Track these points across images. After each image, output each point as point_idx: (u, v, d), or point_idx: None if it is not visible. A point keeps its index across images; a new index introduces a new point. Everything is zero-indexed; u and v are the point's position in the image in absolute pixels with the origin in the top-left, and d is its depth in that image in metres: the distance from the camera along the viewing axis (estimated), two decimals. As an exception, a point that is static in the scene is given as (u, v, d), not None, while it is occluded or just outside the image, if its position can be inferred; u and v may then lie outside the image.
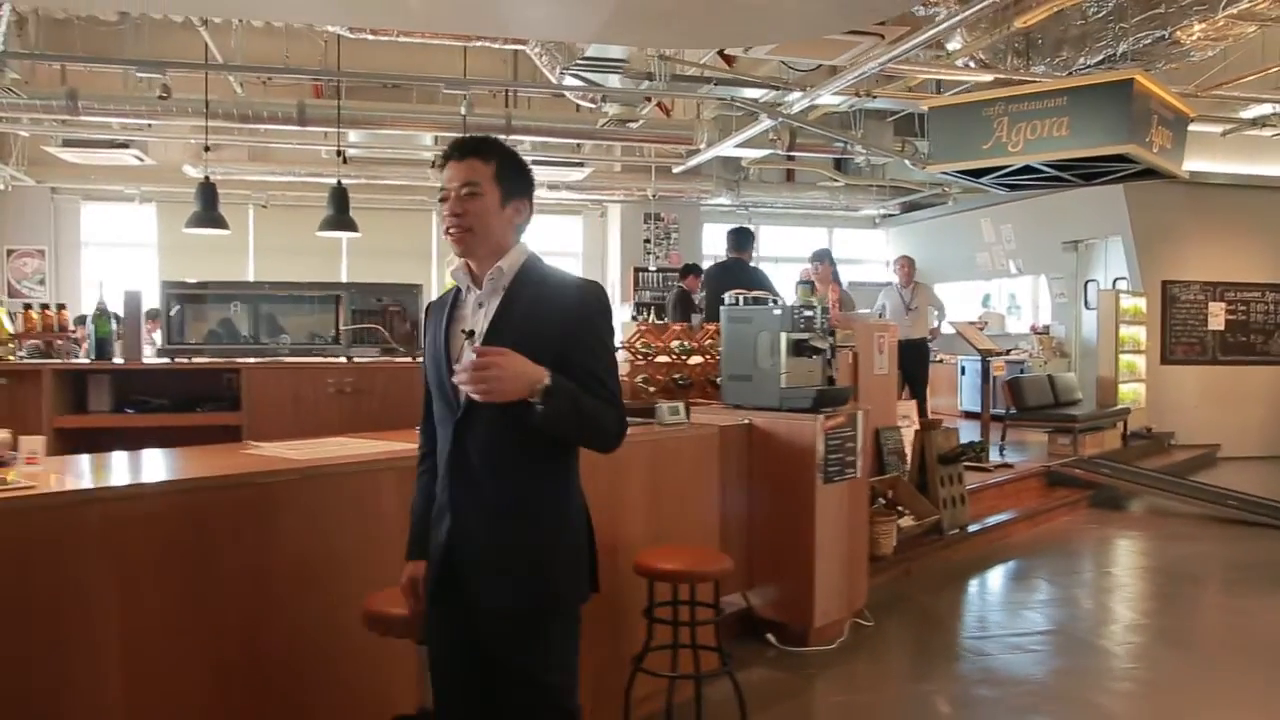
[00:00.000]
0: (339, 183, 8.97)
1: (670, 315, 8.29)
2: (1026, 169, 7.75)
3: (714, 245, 13.50)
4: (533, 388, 1.90)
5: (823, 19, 5.49)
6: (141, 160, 10.47)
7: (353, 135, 10.68)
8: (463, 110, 8.59)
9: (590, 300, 2.08)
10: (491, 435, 2.03)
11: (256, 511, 2.46)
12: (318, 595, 2.55)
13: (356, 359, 4.80)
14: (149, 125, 9.87)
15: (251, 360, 4.62)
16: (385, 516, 2.69)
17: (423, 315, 3.39)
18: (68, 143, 9.95)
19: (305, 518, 2.57)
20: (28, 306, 4.66)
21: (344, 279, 12.31)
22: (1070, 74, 7.94)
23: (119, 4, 7.16)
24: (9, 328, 4.52)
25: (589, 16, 5.58)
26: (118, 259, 12.17)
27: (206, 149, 9.27)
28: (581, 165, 11.34)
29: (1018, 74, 7.91)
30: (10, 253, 11.79)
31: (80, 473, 2.54)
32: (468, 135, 2.19)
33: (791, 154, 10.56)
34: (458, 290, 2.17)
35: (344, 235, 10.25)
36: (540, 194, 11.97)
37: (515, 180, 2.11)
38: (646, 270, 12.93)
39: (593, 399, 1.99)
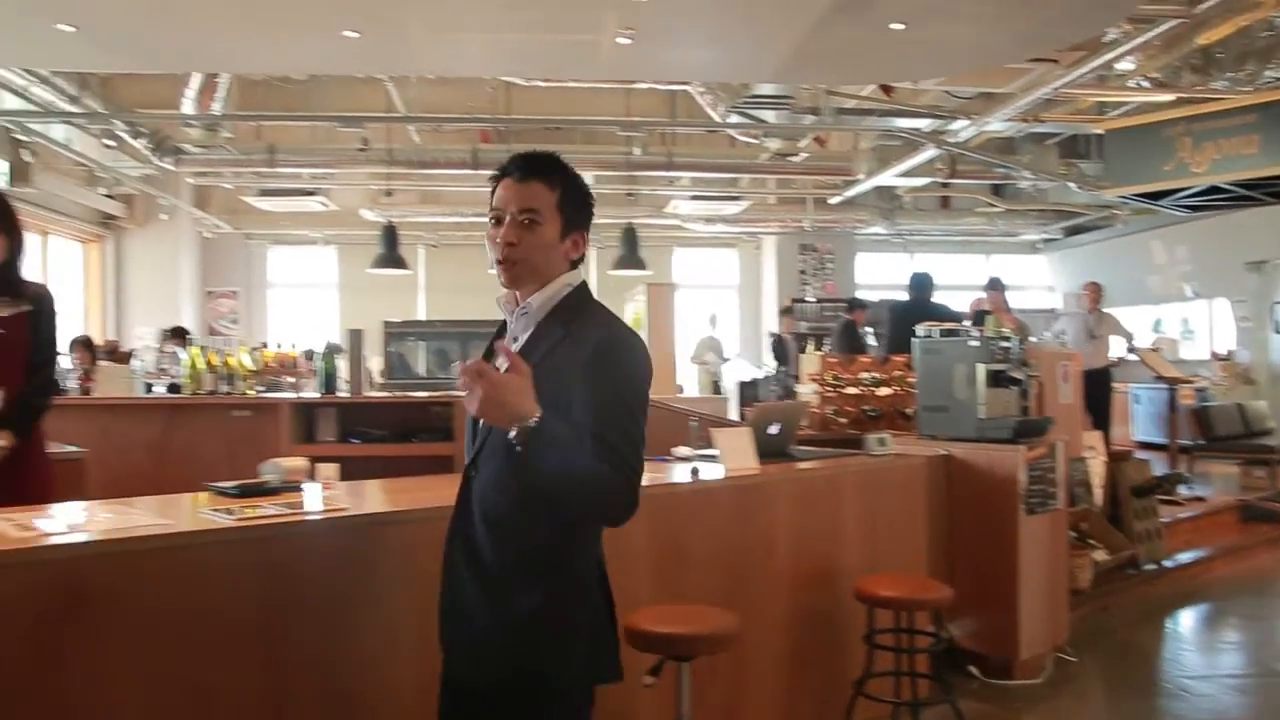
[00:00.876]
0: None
1: (835, 347, 8.33)
2: (1212, 189, 7.50)
3: (868, 275, 13.45)
4: (517, 422, 1.65)
5: (1005, 49, 5.50)
6: (325, 206, 11.18)
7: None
8: (637, 150, 8.86)
9: (610, 353, 1.80)
10: (492, 483, 1.83)
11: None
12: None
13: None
14: (332, 174, 10.57)
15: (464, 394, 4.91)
16: (636, 540, 2.86)
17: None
18: (264, 192, 10.73)
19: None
20: (264, 346, 5.08)
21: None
22: (1256, 89, 7.65)
23: (318, 67, 7.72)
24: (250, 365, 4.95)
25: (765, 58, 5.74)
26: (301, 298, 13.01)
27: (389, 194, 9.87)
28: (738, 199, 11.51)
29: (1196, 90, 7.67)
30: (209, 294, 12.75)
31: (371, 497, 2.80)
32: (531, 151, 1.92)
33: (947, 180, 10.48)
34: (504, 324, 1.97)
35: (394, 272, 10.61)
36: (696, 228, 12.28)
37: (579, 210, 1.92)
38: (804, 301, 12.93)
39: (594, 462, 1.70)
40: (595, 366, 1.77)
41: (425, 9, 4.86)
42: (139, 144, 9.25)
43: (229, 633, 2.14)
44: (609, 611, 1.92)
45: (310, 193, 10.80)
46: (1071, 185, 10.46)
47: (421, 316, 13.01)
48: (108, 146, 9.28)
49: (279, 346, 5.22)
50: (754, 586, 3.24)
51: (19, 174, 8.81)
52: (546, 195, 1.85)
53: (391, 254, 9.38)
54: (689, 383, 9.80)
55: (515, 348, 1.83)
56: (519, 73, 6.83)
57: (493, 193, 1.90)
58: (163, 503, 2.57)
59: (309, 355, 5.26)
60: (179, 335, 8.53)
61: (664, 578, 2.98)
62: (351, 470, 4.39)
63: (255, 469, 2.86)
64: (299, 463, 2.76)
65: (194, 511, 2.42)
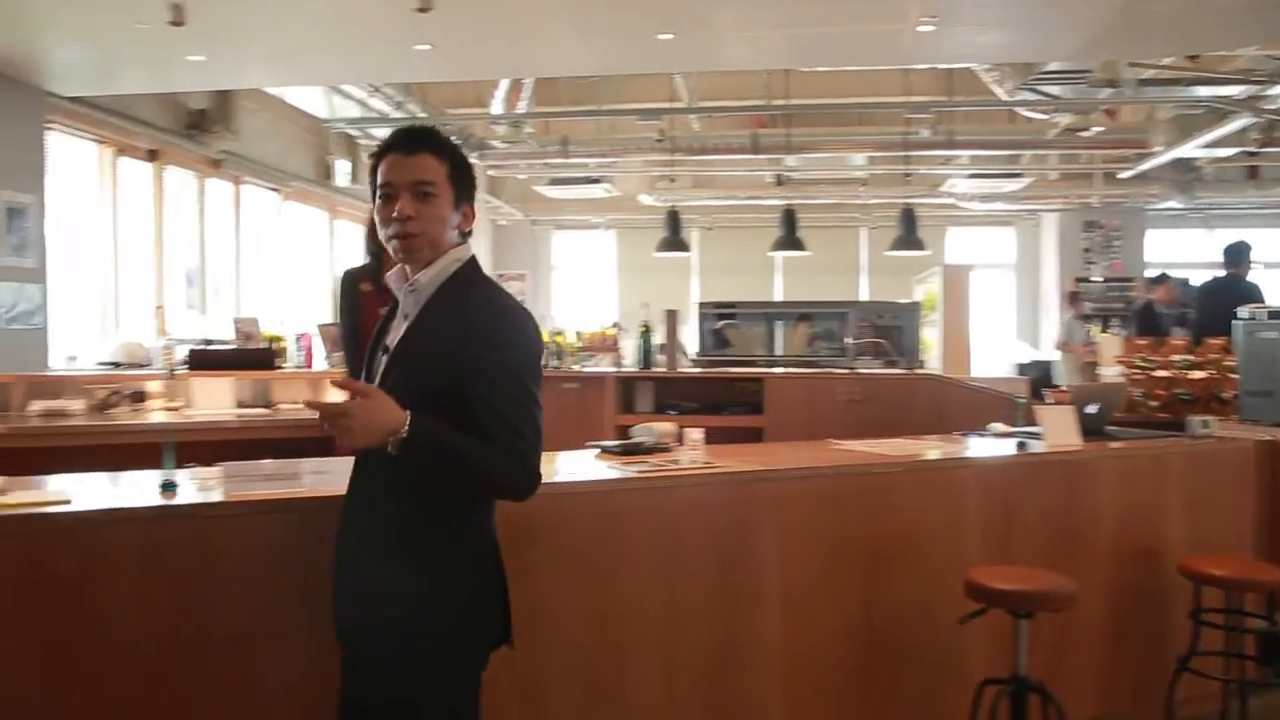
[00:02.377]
0: (789, 207, 9.69)
1: (1134, 328, 8.01)
2: None
3: (1158, 252, 12.68)
4: (388, 438, 1.68)
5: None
6: (609, 192, 11.87)
7: (790, 160, 11.37)
8: (926, 131, 8.86)
9: (501, 326, 1.82)
10: (385, 462, 1.75)
11: (872, 495, 2.94)
12: (918, 568, 2.99)
13: (860, 370, 5.27)
14: (615, 162, 11.22)
15: (776, 370, 5.26)
16: (967, 507, 3.09)
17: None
18: (553, 181, 11.56)
19: (907, 503, 3.02)
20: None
21: (779, 296, 13.10)
22: None
23: (631, 68, 8.27)
24: (577, 343, 5.52)
25: (1070, 36, 5.66)
26: (583, 280, 13.88)
27: (672, 180, 10.38)
28: (1019, 176, 11.20)
29: None
30: (500, 277, 13.85)
31: (732, 458, 3.17)
32: (412, 125, 1.91)
33: (1258, 150, 9.73)
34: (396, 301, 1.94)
35: (786, 254, 10.98)
36: (972, 206, 12.04)
37: (467, 182, 1.90)
38: (1090, 281, 12.36)
39: (482, 444, 1.74)
40: (487, 340, 1.79)
41: (737, 8, 5.18)
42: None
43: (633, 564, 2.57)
44: (501, 580, 1.94)
45: (596, 180, 11.53)
46: None
47: (695, 297, 13.56)
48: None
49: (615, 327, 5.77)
50: (1077, 555, 3.36)
51: (356, 173, 10.11)
52: (437, 167, 1.84)
53: (674, 237, 9.90)
54: (988, 364, 9.54)
55: (406, 325, 1.86)
56: (820, 63, 7.08)
57: (374, 170, 1.88)
58: (568, 457, 3.07)
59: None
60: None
61: (991, 541, 3.17)
62: (666, 439, 4.85)
63: (626, 432, 3.32)
64: (669, 427, 3.17)
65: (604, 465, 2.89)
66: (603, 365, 5.73)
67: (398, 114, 9.36)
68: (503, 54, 6.12)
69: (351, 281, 3.60)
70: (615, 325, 5.65)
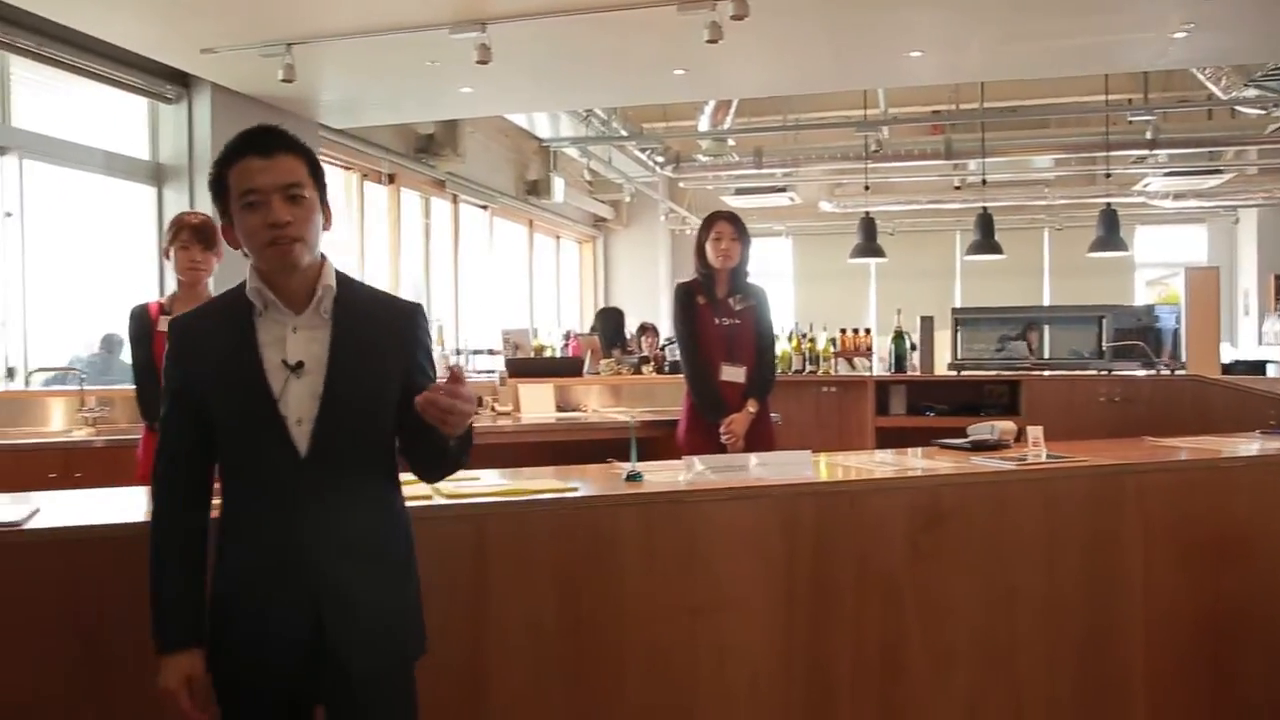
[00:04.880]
0: (984, 210, 9.76)
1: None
2: None
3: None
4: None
5: None
6: (793, 201, 12.11)
7: (972, 164, 11.37)
8: (1147, 132, 8.80)
9: (423, 321, 1.89)
10: (346, 467, 1.77)
11: (1219, 487, 3.11)
12: (1267, 558, 3.13)
13: (1116, 372, 5.38)
14: (795, 172, 11.45)
15: (1034, 373, 5.42)
16: None
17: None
18: (740, 191, 11.86)
19: (1254, 495, 3.16)
20: (842, 331, 5.90)
21: (958, 302, 13.06)
22: None
23: (875, 85, 8.56)
24: (831, 349, 5.79)
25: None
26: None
27: (866, 188, 10.54)
28: (1219, 172, 10.94)
29: None
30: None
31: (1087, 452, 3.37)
32: (260, 125, 1.79)
33: None
34: (238, 311, 1.78)
35: (971, 259, 10.95)
36: (1163, 204, 11.80)
37: (322, 179, 1.82)
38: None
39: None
40: (417, 338, 1.86)
41: (991, 26, 5.36)
42: (644, 155, 10.74)
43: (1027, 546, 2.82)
44: None
45: (782, 189, 11.78)
46: None
47: (872, 302, 13.67)
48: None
49: (844, 332, 6.02)
50: None
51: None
52: (299, 167, 1.75)
53: (869, 243, 10.06)
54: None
55: (325, 342, 1.76)
56: (1061, 73, 7.17)
57: (222, 178, 1.76)
58: (914, 452, 3.35)
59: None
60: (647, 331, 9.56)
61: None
62: (919, 439, 5.06)
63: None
64: (1009, 425, 3.40)
65: (968, 459, 3.14)
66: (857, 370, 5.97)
67: (603, 130, 9.84)
68: (748, 74, 6.45)
69: (688, 294, 3.97)
70: (866, 331, 5.89)
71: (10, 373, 5.43)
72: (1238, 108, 8.94)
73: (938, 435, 5.50)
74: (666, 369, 6.05)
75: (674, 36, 5.35)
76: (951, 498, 2.76)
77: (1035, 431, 3.30)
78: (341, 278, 1.82)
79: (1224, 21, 5.22)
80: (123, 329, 3.78)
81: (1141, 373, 5.32)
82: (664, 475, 2.73)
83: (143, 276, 6.21)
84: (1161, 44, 5.58)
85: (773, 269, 14.15)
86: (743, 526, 2.53)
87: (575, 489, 2.49)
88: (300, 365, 1.74)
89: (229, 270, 5.90)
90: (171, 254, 3.44)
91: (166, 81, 6.17)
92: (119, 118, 6.27)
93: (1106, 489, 2.96)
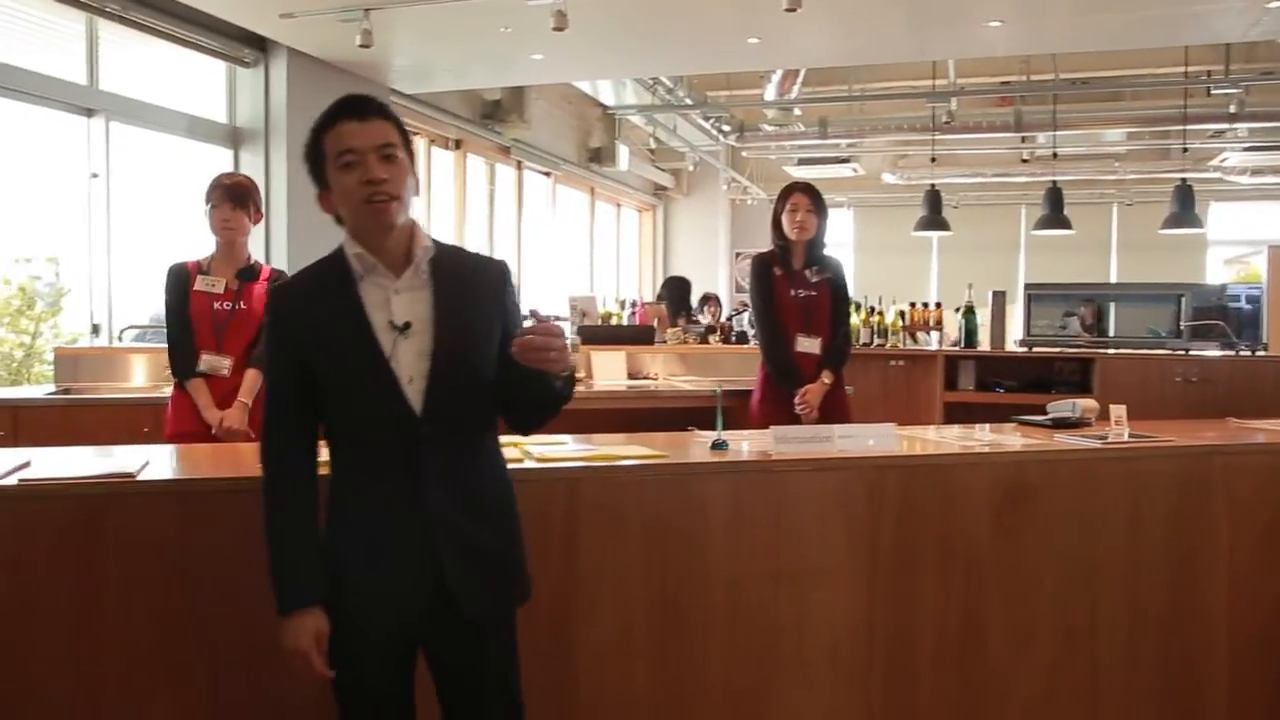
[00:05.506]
0: (1054, 184, 9.58)
1: None
2: None
3: None
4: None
5: None
6: (856, 172, 11.98)
7: (1040, 136, 11.14)
8: (1233, 107, 8.64)
9: (509, 275, 1.95)
10: (458, 422, 1.82)
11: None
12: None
13: (1194, 352, 5.28)
14: (860, 142, 11.32)
15: (1110, 351, 5.34)
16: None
17: None
18: (803, 161, 11.76)
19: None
20: (912, 304, 5.86)
21: (1022, 277, 12.86)
22: None
23: (956, 54, 8.45)
24: (900, 323, 5.76)
25: None
26: (818, 259, 14.03)
27: (933, 159, 10.40)
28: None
29: None
30: (737, 255, 14.21)
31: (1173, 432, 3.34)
32: (352, 94, 1.86)
33: None
34: (338, 276, 1.83)
35: (1040, 233, 10.77)
36: (1240, 180, 11.48)
37: (411, 149, 1.87)
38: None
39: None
40: (509, 293, 1.92)
41: (1076, -3, 5.24)
42: (709, 125, 10.69)
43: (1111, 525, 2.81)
44: None
45: (845, 160, 11.66)
46: None
47: (933, 275, 13.51)
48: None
49: (913, 305, 5.96)
50: None
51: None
52: (392, 131, 1.81)
53: (935, 216, 9.94)
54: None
55: (429, 303, 1.81)
56: (1157, 43, 6.98)
57: (318, 144, 1.82)
58: (998, 427, 3.34)
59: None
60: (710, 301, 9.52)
61: None
62: (988, 416, 5.02)
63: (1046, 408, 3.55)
64: (1091, 403, 3.38)
65: (1049, 437, 3.13)
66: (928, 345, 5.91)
67: (668, 98, 9.80)
68: (822, 43, 6.38)
69: (765, 265, 3.98)
70: (936, 305, 5.84)
71: (95, 329, 5.59)
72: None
73: (1007, 411, 5.44)
74: (733, 339, 6.06)
75: (750, 4, 5.31)
76: (1037, 474, 2.75)
77: (1118, 410, 3.27)
78: (434, 240, 1.87)
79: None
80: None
81: (1219, 353, 5.22)
82: (747, 444, 2.75)
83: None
84: (1256, 12, 5.41)
85: (834, 240, 13.98)
86: (829, 497, 2.55)
87: (666, 456, 2.52)
88: (408, 325, 1.79)
89: (301, 233, 6.04)
90: (209, 214, 3.48)
91: (244, 45, 6.26)
92: (198, 82, 6.38)
93: (1194, 470, 2.93)
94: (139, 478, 2.17)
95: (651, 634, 2.41)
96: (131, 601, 2.09)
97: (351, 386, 1.80)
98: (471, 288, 1.87)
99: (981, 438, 3.03)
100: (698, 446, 2.72)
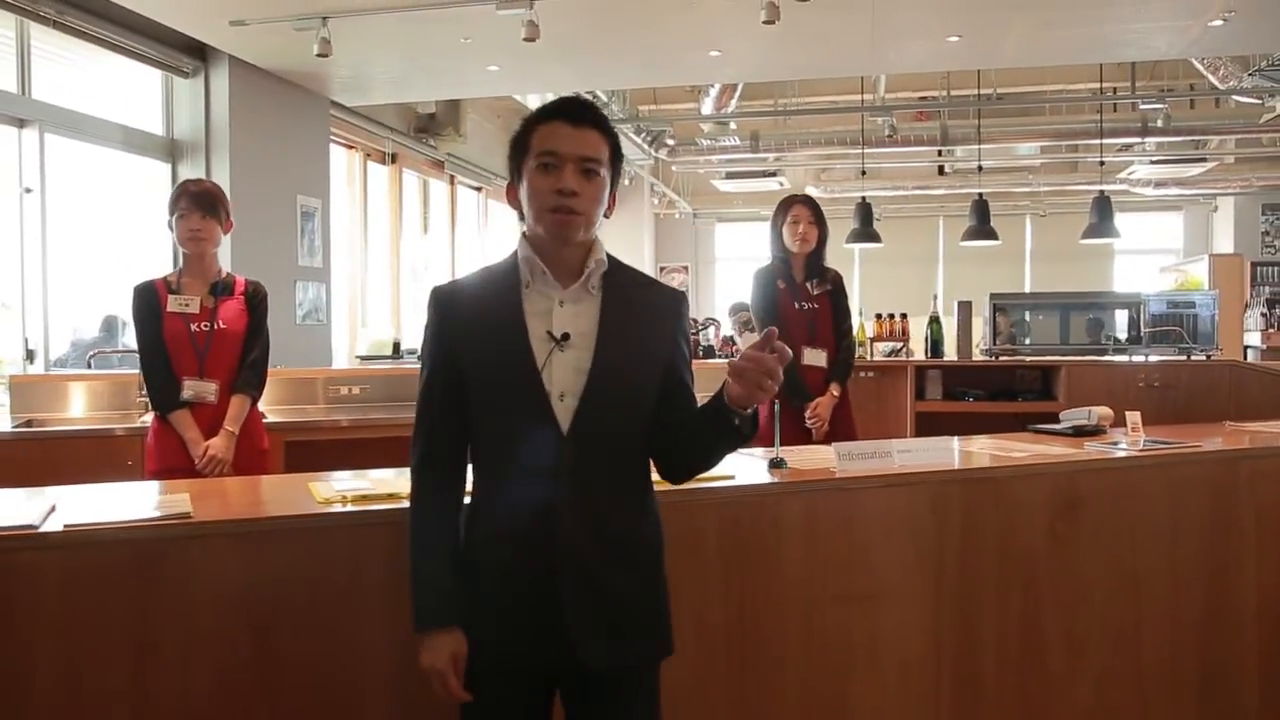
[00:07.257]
0: (981, 197, 9.83)
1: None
2: None
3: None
4: None
5: None
6: (782, 185, 12.11)
7: (959, 151, 11.45)
8: (1163, 120, 8.95)
9: (685, 308, 1.83)
10: (607, 449, 1.70)
11: None
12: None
13: (1153, 357, 5.44)
14: (785, 156, 11.45)
15: (1073, 358, 5.47)
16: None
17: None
18: (730, 175, 11.85)
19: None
20: (878, 316, 5.90)
21: (941, 286, 13.18)
22: None
23: (911, 69, 8.56)
24: (868, 333, 5.79)
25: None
26: (744, 272, 14.13)
27: (863, 173, 10.57)
28: (1204, 160, 11.16)
29: None
30: (662, 269, 14.21)
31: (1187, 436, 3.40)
32: (576, 96, 1.78)
33: None
34: (505, 280, 1.73)
35: (971, 244, 11.06)
36: (1143, 191, 12.01)
37: (619, 169, 1.76)
38: (1266, 265, 12.27)
39: None
40: (680, 323, 1.79)
41: (1031, 12, 5.38)
42: (640, 140, 10.67)
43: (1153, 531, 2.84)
44: None
45: (773, 174, 11.78)
46: None
47: (856, 286, 13.73)
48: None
49: (879, 317, 6.01)
50: None
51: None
52: (603, 145, 1.70)
53: (866, 229, 10.07)
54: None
55: (594, 317, 1.70)
56: (1103, 59, 7.21)
57: (526, 136, 1.72)
58: (1019, 436, 3.35)
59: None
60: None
61: None
62: (959, 425, 5.08)
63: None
64: (1106, 411, 3.42)
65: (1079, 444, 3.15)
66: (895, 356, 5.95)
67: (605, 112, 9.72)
68: (784, 58, 6.40)
69: (771, 277, 3.94)
70: (903, 316, 5.90)
71: (30, 355, 5.23)
72: (1235, 97, 9.11)
73: (977, 420, 5.54)
74: (700, 353, 6.01)
75: (716, 16, 5.29)
76: (1087, 483, 2.76)
77: (1134, 417, 3.32)
78: (611, 257, 1.76)
79: (1265, 8, 5.28)
80: (124, 310, 3.51)
81: (1179, 359, 5.39)
82: (801, 461, 2.69)
83: (157, 256, 6.00)
84: (1197, 30, 5.63)
85: (762, 254, 14.15)
86: (896, 514, 2.51)
87: (732, 476, 2.44)
88: (566, 337, 1.68)
89: (244, 246, 5.76)
90: (173, 225, 3.21)
91: (183, 54, 5.97)
92: (133, 92, 6.05)
93: (1224, 476, 2.99)
94: (195, 518, 1.99)
95: (730, 658, 2.32)
96: (190, 649, 1.91)
97: (499, 397, 1.69)
98: (642, 310, 1.76)
99: (1027, 448, 3.03)
100: (756, 465, 2.64)
